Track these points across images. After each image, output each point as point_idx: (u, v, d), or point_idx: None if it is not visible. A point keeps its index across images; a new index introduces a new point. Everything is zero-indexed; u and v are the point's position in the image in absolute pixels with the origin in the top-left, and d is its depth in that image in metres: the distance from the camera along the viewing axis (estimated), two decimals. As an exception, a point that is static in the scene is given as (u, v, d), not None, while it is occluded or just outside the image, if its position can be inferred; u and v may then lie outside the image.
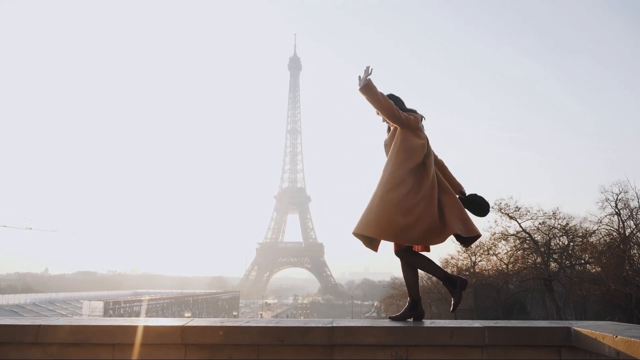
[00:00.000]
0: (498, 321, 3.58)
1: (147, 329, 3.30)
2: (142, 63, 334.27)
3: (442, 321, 3.52)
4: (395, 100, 3.91)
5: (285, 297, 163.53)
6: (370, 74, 3.71)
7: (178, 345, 3.28)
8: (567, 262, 31.17)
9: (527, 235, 28.37)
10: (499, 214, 28.60)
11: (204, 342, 3.26)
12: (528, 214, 27.93)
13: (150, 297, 70.32)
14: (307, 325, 3.31)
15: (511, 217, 28.18)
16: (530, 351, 3.24)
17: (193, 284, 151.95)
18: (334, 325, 3.28)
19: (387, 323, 3.39)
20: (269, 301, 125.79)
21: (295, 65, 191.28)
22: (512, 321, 3.58)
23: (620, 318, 31.49)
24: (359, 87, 3.67)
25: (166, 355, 3.28)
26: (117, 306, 56.45)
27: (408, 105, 3.96)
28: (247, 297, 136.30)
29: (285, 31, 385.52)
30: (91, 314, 52.29)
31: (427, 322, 3.49)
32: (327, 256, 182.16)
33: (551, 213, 28.50)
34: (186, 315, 62.40)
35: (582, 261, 30.13)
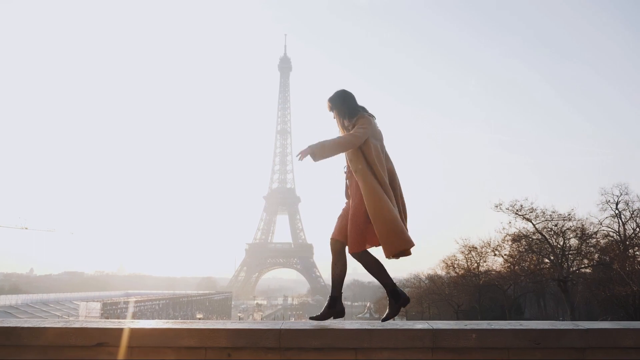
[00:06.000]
0: None
1: (395, 332, 3.19)
2: (133, 63, 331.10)
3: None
4: (348, 97, 3.86)
5: (274, 297, 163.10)
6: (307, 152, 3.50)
7: (425, 349, 3.18)
8: (565, 263, 31.45)
9: (541, 237, 28.49)
10: (513, 215, 28.64)
11: (455, 346, 3.18)
12: (543, 215, 28.01)
13: (144, 298, 69.29)
14: (560, 327, 3.23)
15: (526, 219, 28.23)
16: None
17: (182, 284, 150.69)
18: (588, 327, 3.22)
19: (642, 325, 3.31)
20: (259, 302, 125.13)
21: (285, 65, 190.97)
22: None
23: (617, 317, 31.92)
24: (314, 160, 3.51)
25: (412, 357, 3.18)
26: (114, 307, 55.52)
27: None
28: (236, 298, 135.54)
29: (275, 31, 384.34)
30: (88, 315, 51.41)
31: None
32: (317, 257, 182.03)
33: (566, 214, 28.67)
34: (198, 316, 61.49)
35: (593, 262, 30.46)
